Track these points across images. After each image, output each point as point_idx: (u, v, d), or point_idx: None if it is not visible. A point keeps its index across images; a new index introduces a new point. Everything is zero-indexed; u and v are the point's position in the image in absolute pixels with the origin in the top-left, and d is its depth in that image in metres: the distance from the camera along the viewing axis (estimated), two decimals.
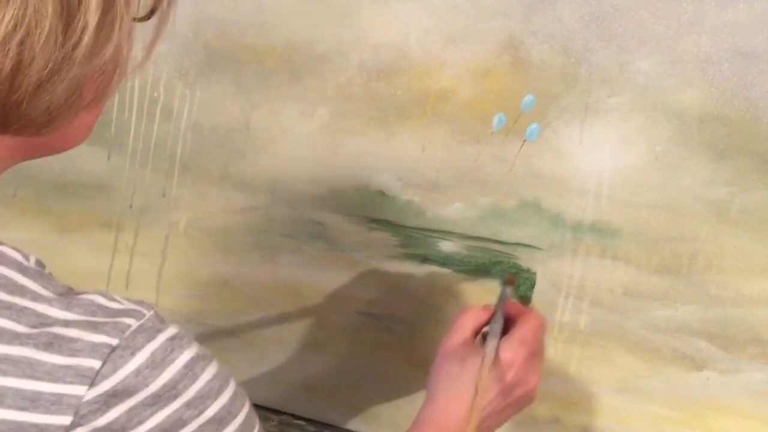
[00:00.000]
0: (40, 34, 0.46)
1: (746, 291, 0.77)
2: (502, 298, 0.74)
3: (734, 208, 0.77)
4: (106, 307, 0.50)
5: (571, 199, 0.81)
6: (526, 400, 0.71)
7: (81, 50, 0.48)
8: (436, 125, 0.85)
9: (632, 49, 0.78)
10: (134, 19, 0.53)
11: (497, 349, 0.69)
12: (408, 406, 0.90)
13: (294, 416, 0.95)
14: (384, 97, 0.87)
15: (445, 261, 0.86)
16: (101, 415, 0.47)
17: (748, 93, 0.75)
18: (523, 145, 0.83)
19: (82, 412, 0.47)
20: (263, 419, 0.96)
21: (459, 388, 0.69)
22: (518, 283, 0.82)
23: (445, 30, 0.84)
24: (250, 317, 0.96)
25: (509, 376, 0.69)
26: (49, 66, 0.48)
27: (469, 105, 0.84)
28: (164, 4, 0.55)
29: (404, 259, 0.88)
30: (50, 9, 0.46)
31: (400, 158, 0.87)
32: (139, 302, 0.51)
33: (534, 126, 0.82)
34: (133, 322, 0.49)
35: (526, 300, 0.84)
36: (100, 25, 0.49)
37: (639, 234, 0.80)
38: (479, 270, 0.85)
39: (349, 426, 0.93)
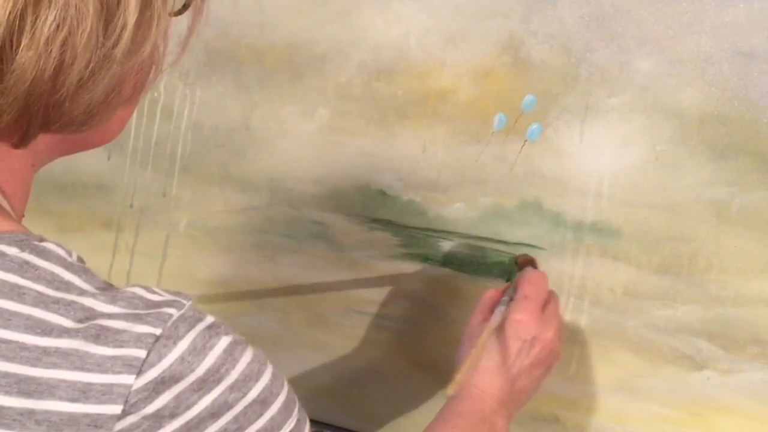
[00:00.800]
0: (81, 34, 0.47)
1: (746, 291, 0.77)
2: (516, 275, 0.78)
3: (734, 208, 0.77)
4: (148, 299, 0.51)
5: (572, 199, 0.81)
6: (551, 355, 0.73)
7: (120, 49, 0.49)
8: (436, 125, 0.85)
9: (632, 49, 0.78)
10: (169, 14, 0.54)
11: (504, 312, 0.73)
12: (408, 406, 0.90)
13: None
14: (384, 97, 0.87)
15: (446, 261, 0.86)
16: (150, 402, 0.48)
17: (748, 93, 0.75)
18: (523, 145, 0.83)
19: (132, 401, 0.48)
20: None
21: (483, 360, 0.71)
22: (536, 264, 0.83)
23: (445, 30, 0.84)
24: (250, 317, 0.96)
25: (523, 333, 0.72)
26: (90, 65, 0.49)
27: (469, 105, 0.84)
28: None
29: (405, 259, 0.88)
30: (91, 9, 0.47)
31: (400, 158, 0.87)
32: (178, 293, 0.53)
33: (534, 126, 0.82)
34: (174, 312, 0.50)
35: None
36: (138, 24, 0.50)
37: (639, 234, 0.80)
38: (480, 270, 0.85)
39: (350, 426, 0.93)
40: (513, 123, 0.83)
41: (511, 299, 0.74)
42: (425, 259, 0.87)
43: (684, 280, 0.79)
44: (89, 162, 0.99)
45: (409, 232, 0.88)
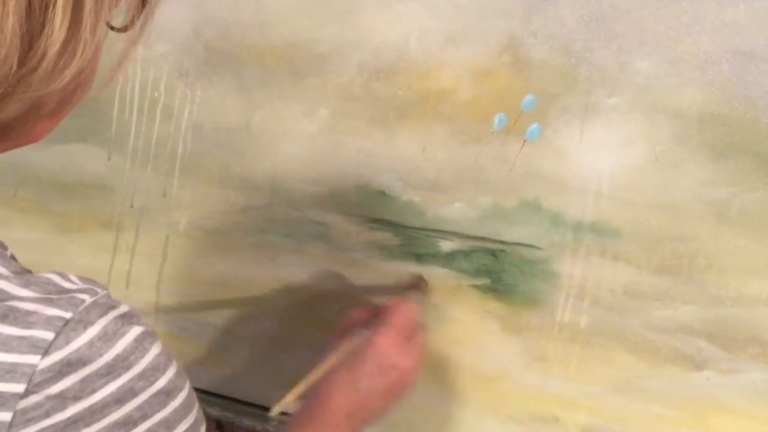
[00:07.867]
0: None
1: (746, 291, 0.77)
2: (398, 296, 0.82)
3: (734, 208, 0.77)
4: (61, 286, 0.52)
5: (572, 199, 0.81)
6: (402, 382, 0.76)
7: (37, 76, 0.49)
8: (436, 125, 0.85)
9: (632, 49, 0.78)
10: (112, 28, 0.53)
11: (366, 335, 0.76)
12: (407, 406, 0.90)
13: None
14: (384, 98, 0.87)
15: (445, 261, 0.86)
16: (55, 383, 0.49)
17: (748, 93, 0.75)
18: (523, 145, 0.83)
19: (35, 381, 0.48)
20: (262, 419, 0.97)
21: (341, 374, 0.75)
22: (423, 287, 0.86)
23: (445, 30, 0.84)
24: (250, 317, 0.96)
25: (381, 358, 0.74)
26: (2, 88, 0.48)
27: (469, 105, 0.84)
28: (137, 26, 0.55)
29: (405, 259, 0.88)
30: (9, 37, 0.46)
31: (400, 158, 0.87)
32: (93, 282, 0.53)
33: (534, 126, 0.82)
34: (87, 298, 0.51)
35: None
36: (60, 53, 0.49)
37: (639, 234, 0.80)
38: (479, 270, 0.85)
39: None
40: (513, 123, 0.83)
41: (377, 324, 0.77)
42: (425, 259, 0.87)
43: (684, 280, 0.79)
44: (90, 162, 0.99)
45: (408, 232, 0.88)
